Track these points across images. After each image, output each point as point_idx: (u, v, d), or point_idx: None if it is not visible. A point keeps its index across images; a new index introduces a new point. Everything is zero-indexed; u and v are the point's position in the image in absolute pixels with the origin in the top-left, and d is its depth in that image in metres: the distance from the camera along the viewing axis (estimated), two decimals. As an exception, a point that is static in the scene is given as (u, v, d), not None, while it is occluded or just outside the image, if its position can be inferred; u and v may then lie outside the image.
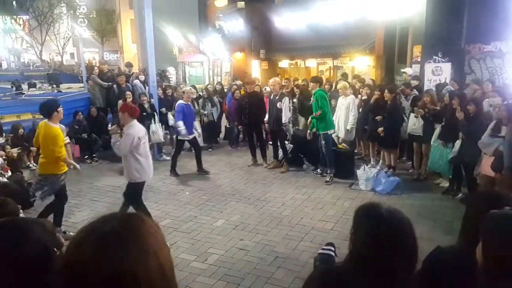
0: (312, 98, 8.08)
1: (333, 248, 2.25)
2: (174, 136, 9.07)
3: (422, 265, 2.09)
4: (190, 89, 9.79)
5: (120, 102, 9.69)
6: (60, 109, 5.56)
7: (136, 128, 5.39)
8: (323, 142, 7.94)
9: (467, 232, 1.98)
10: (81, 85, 17.72)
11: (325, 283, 1.62)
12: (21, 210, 5.58)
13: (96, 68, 11.91)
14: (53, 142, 5.31)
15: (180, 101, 8.75)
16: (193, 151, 9.02)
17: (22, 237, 1.20)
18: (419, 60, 11.45)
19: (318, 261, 2.18)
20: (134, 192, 5.56)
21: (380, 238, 1.51)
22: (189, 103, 8.87)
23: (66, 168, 5.60)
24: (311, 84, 8.29)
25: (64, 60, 43.61)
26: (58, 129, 5.41)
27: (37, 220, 1.33)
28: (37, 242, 1.21)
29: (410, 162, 8.46)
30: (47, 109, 5.48)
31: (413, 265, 1.55)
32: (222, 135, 11.89)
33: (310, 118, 8.12)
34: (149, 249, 0.99)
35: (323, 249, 2.26)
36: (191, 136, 8.64)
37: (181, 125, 8.40)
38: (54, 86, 17.05)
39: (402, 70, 11.31)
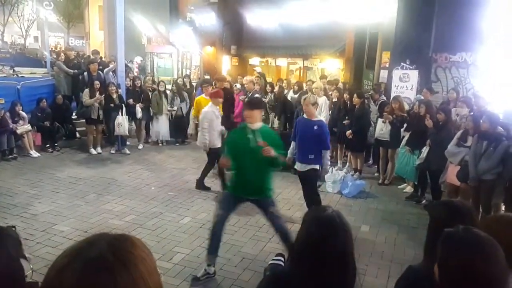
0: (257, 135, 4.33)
1: (282, 259, 2.32)
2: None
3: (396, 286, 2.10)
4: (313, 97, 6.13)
5: (87, 91, 9.41)
6: (206, 85, 8.99)
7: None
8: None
9: (430, 247, 1.99)
10: (45, 70, 17.08)
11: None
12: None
13: (62, 54, 11.49)
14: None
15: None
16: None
17: None
18: (387, 66, 11.68)
19: (268, 271, 2.24)
20: None
21: (311, 237, 1.70)
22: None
23: None
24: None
25: (27, 43, 41.90)
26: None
27: (3, 232, 1.21)
28: (8, 259, 1.11)
29: (376, 166, 8.62)
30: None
31: (343, 266, 1.69)
32: (190, 130, 11.74)
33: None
34: (139, 277, 0.89)
35: (273, 259, 2.33)
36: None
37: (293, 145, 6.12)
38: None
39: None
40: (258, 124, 4.48)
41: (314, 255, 1.67)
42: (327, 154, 5.76)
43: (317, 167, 5.71)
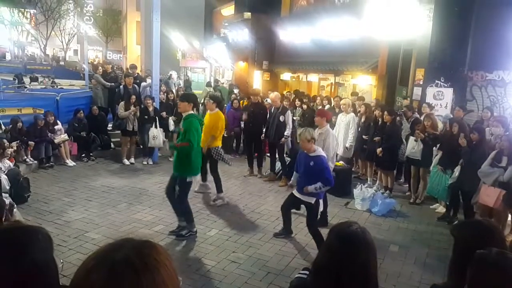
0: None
1: (308, 273, 2.32)
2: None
3: None
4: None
5: (122, 103, 9.68)
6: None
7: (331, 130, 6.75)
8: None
9: (455, 268, 1.95)
10: (83, 82, 17.69)
11: None
12: (14, 205, 5.59)
13: (100, 67, 11.92)
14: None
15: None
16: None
17: (23, 251, 1.16)
18: (421, 83, 11.50)
19: (294, 284, 2.27)
20: None
21: (333, 252, 1.71)
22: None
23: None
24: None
25: (67, 56, 43.64)
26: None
27: (35, 229, 1.27)
28: (39, 255, 1.17)
29: (407, 185, 8.45)
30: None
31: (364, 284, 1.67)
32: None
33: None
34: (162, 281, 0.94)
35: (299, 273, 2.35)
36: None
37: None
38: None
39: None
40: (185, 114, 5.70)
41: (335, 270, 1.66)
42: (319, 184, 5.20)
43: (312, 201, 5.36)
